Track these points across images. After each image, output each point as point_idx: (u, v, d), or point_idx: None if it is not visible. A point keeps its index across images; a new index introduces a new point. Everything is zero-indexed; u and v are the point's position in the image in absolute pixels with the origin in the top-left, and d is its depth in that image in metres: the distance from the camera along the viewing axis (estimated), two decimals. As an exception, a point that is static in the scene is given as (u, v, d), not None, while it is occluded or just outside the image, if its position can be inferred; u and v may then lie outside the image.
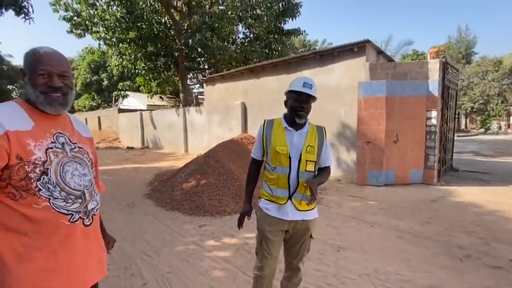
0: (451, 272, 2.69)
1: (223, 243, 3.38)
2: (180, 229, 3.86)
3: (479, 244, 3.30)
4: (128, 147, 15.73)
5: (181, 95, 15.24)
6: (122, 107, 20.95)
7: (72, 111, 31.17)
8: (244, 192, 1.90)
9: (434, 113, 6.16)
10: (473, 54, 33.54)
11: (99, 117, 21.49)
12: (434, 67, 6.11)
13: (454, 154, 8.27)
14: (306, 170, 1.66)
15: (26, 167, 1.00)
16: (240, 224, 1.83)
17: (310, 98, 1.65)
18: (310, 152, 1.66)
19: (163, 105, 20.01)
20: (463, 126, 31.57)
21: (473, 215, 4.31)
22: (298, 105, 1.64)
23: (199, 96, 20.06)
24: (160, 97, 18.18)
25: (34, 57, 1.09)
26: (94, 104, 28.41)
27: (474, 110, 29.02)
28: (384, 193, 5.64)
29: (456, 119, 8.48)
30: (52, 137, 1.10)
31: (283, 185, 1.67)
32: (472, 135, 23.55)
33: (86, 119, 23.20)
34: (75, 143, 1.19)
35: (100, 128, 21.20)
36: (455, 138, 8.42)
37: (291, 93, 1.68)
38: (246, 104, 9.67)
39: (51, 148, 1.08)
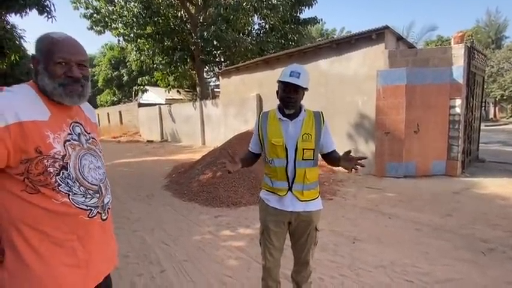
0: (472, 266, 2.59)
1: (238, 234, 3.44)
2: (197, 219, 3.95)
3: (504, 238, 3.15)
4: (147, 141, 16.17)
5: (198, 89, 15.39)
6: (141, 102, 21.48)
7: (95, 106, 32.36)
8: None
9: (458, 101, 5.86)
10: (503, 38, 31.41)
11: (120, 112, 22.19)
12: (458, 53, 5.79)
13: (480, 144, 7.87)
14: (303, 159, 1.63)
15: (45, 161, 0.95)
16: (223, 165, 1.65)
17: (298, 88, 1.58)
18: (306, 140, 1.62)
19: (181, 99, 20.31)
20: (491, 115, 29.93)
21: (499, 207, 4.12)
22: (285, 95, 1.60)
23: (215, 89, 20.17)
24: (178, 91, 18.43)
25: (50, 44, 1.01)
26: (115, 99, 29.37)
27: (504, 98, 27.29)
28: (403, 185, 5.48)
29: (483, 108, 8.03)
30: (69, 127, 1.06)
31: (282, 176, 1.65)
32: (501, 125, 22.32)
33: (108, 113, 24.06)
34: (89, 133, 1.15)
35: (121, 122, 21.92)
36: (482, 127, 8.00)
37: (279, 83, 1.64)
38: (262, 96, 9.62)
39: (69, 141, 1.04)
